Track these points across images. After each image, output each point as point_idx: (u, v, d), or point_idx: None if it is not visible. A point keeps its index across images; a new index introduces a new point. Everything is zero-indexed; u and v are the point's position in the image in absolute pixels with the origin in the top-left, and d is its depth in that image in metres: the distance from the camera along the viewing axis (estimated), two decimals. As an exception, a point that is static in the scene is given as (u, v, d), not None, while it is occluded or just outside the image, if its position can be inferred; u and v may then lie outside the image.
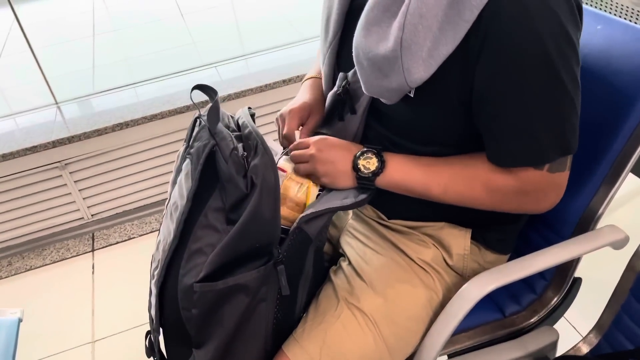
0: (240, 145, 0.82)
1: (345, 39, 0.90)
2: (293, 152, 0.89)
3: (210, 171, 0.81)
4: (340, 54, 0.92)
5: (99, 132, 1.92)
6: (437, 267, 0.94)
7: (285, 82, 2.04)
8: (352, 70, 0.86)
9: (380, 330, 0.87)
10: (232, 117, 0.93)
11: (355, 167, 0.84)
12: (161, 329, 0.85)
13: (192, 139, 0.88)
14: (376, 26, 0.74)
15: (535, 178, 0.77)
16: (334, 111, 0.92)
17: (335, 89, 0.91)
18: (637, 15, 0.98)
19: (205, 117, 0.86)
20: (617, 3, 0.97)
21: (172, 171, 0.93)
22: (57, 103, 2.16)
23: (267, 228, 0.77)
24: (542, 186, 0.78)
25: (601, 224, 0.93)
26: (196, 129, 0.89)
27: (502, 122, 0.73)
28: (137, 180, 2.07)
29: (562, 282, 1.01)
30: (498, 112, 0.73)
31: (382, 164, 0.83)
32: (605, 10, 0.99)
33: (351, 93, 0.88)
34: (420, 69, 0.71)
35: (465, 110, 0.76)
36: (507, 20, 0.65)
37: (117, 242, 2.05)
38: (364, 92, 0.82)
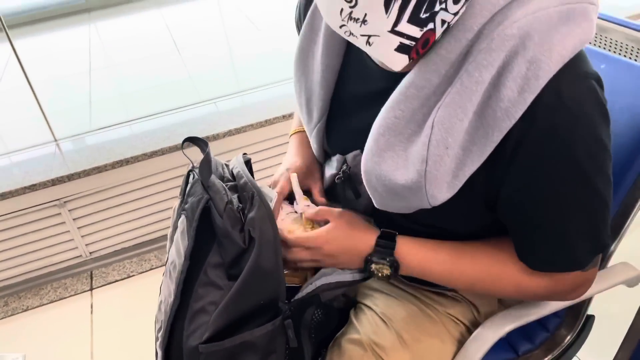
0: (235, 197, 0.79)
1: (331, 119, 0.87)
2: (296, 240, 0.82)
3: (206, 227, 0.78)
4: (329, 134, 0.88)
5: (98, 170, 1.91)
6: (465, 321, 0.91)
7: (285, 117, 2.05)
8: (352, 155, 0.82)
9: None
10: (226, 165, 0.90)
11: (368, 269, 0.78)
12: None
13: (186, 194, 0.85)
14: (390, 151, 0.67)
15: (570, 279, 0.74)
16: (334, 191, 0.88)
17: (334, 170, 0.86)
18: (638, 53, 1.00)
19: (197, 170, 0.84)
20: (619, 42, 0.99)
21: (171, 207, 0.88)
22: (56, 140, 2.15)
23: (270, 283, 0.74)
24: (574, 285, 0.76)
25: (613, 261, 0.93)
26: (190, 183, 0.86)
27: (534, 231, 0.69)
28: (136, 217, 2.05)
29: (575, 319, 1.00)
30: (530, 221, 0.69)
31: (395, 271, 0.77)
32: (609, 50, 1.01)
33: (353, 177, 0.83)
34: (444, 192, 0.65)
35: (491, 209, 0.71)
36: (539, 136, 0.60)
37: (116, 280, 2.02)
38: (376, 206, 0.75)
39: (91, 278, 2.04)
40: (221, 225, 0.75)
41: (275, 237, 0.73)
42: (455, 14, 0.59)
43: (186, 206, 0.80)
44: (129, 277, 2.02)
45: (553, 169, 0.62)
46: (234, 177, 0.86)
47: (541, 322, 1.03)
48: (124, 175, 1.95)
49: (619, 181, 0.88)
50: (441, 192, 0.65)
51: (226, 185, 0.81)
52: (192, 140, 0.86)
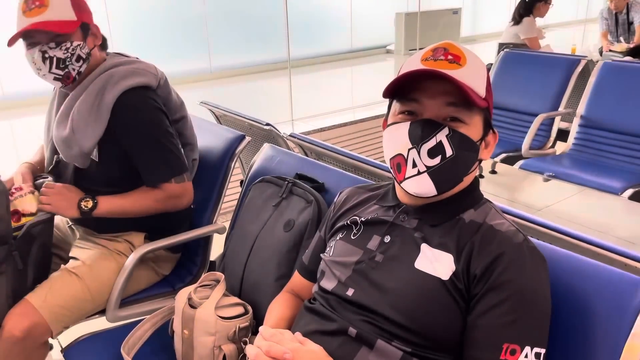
0: None
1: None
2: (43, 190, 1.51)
3: None
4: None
5: None
6: (126, 253, 1.60)
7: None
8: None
9: (85, 282, 1.51)
10: None
11: (79, 206, 1.50)
12: None
13: None
14: (60, 124, 1.53)
15: (172, 188, 1.54)
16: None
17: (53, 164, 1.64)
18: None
19: None
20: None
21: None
22: None
23: (2, 224, 1.37)
24: (177, 193, 1.55)
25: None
26: None
27: (141, 162, 1.52)
28: None
29: (205, 263, 1.75)
30: (135, 155, 1.52)
31: (95, 205, 1.51)
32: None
33: (61, 166, 1.62)
34: (88, 143, 1.48)
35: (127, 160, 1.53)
36: (128, 110, 1.49)
37: None
38: (64, 160, 1.55)
39: None
40: None
41: (7, 199, 1.39)
42: (80, 67, 1.48)
43: None
44: None
45: (137, 123, 1.50)
46: None
47: (188, 269, 1.76)
48: None
49: (218, 172, 1.72)
50: (85, 142, 1.48)
51: None
52: None
